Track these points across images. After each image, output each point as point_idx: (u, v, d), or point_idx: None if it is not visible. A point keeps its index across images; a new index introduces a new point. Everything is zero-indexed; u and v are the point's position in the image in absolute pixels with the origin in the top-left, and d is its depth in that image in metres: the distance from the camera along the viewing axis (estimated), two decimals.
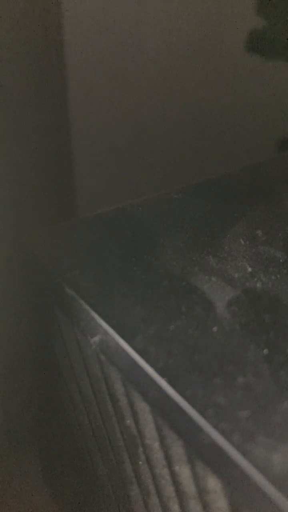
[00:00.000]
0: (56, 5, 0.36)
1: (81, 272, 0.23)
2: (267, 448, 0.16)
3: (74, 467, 0.29)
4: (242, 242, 0.25)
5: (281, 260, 0.24)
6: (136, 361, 0.19)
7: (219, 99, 0.47)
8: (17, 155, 0.38)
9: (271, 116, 0.49)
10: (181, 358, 0.19)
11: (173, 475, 0.19)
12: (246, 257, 0.24)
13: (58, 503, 0.32)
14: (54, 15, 0.36)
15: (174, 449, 0.19)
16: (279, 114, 0.49)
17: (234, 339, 0.19)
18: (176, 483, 0.19)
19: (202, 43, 0.44)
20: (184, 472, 0.19)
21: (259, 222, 0.26)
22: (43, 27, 0.36)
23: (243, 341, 0.19)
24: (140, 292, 0.22)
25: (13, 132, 0.37)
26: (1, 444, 0.32)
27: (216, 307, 0.21)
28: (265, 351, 0.19)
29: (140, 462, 0.21)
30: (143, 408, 0.19)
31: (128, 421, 0.21)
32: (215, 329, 0.20)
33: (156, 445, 0.20)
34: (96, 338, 0.21)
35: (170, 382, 0.18)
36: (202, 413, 0.17)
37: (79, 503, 0.30)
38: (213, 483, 0.17)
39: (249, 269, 0.23)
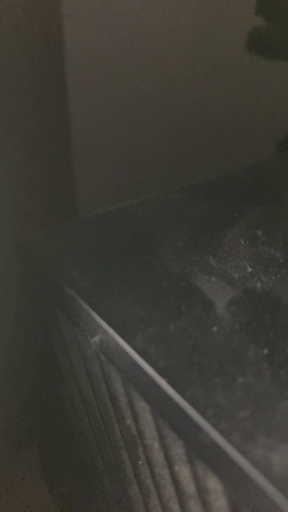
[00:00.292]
0: (56, 5, 0.36)
1: (81, 272, 0.23)
2: (267, 448, 0.16)
3: (74, 467, 0.29)
4: (242, 242, 0.25)
5: (281, 260, 0.24)
6: (136, 361, 0.19)
7: (219, 99, 0.47)
8: (17, 155, 0.38)
9: (271, 116, 0.49)
10: (181, 358, 0.19)
11: (173, 475, 0.19)
12: (246, 257, 0.24)
13: (58, 503, 0.32)
14: (54, 15, 0.36)
15: (174, 449, 0.18)
16: (279, 114, 0.49)
17: (234, 339, 0.19)
18: (176, 483, 0.19)
19: (202, 43, 0.44)
20: (184, 472, 0.19)
21: (259, 222, 0.26)
22: (43, 27, 0.36)
23: (243, 341, 0.19)
24: (140, 292, 0.22)
25: (13, 132, 0.37)
26: (1, 444, 0.32)
27: (216, 307, 0.21)
28: (265, 351, 0.19)
29: (140, 462, 0.21)
30: (143, 408, 0.19)
31: (128, 421, 0.21)
32: (215, 329, 0.20)
33: (156, 445, 0.20)
34: (96, 338, 0.21)
35: (170, 382, 0.18)
36: (202, 413, 0.17)
37: (79, 503, 0.30)
38: (213, 483, 0.17)
39: (249, 269, 0.23)
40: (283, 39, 0.46)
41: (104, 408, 0.23)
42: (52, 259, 0.24)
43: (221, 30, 0.44)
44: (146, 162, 0.47)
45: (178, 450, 0.18)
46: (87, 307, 0.21)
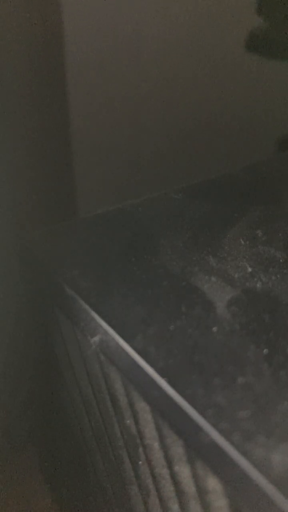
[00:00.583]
0: (56, 5, 0.36)
1: (81, 272, 0.23)
2: (267, 448, 0.16)
3: (74, 467, 0.29)
4: (242, 242, 0.25)
5: (281, 260, 0.24)
6: (136, 361, 0.19)
7: (219, 99, 0.47)
8: (17, 155, 0.38)
9: (271, 116, 0.49)
10: (181, 358, 0.19)
11: (173, 475, 0.19)
12: (246, 257, 0.24)
13: (58, 503, 0.32)
14: (54, 15, 0.36)
15: (174, 449, 0.18)
16: (279, 114, 0.49)
17: (234, 339, 0.19)
18: (176, 483, 0.19)
19: (202, 43, 0.44)
20: (184, 472, 0.19)
21: (259, 222, 0.26)
22: (43, 27, 0.36)
23: (243, 341, 0.19)
24: (140, 292, 0.22)
25: (13, 132, 0.37)
26: (1, 444, 0.32)
27: (216, 307, 0.21)
28: (265, 351, 0.19)
29: (140, 462, 0.21)
30: (143, 408, 0.19)
31: (128, 421, 0.21)
32: (215, 329, 0.20)
33: (156, 445, 0.20)
34: (96, 338, 0.21)
35: (170, 382, 0.18)
36: (202, 413, 0.17)
37: (79, 503, 0.30)
38: (213, 483, 0.17)
39: (249, 269, 0.23)
40: (283, 39, 0.46)
41: (104, 408, 0.23)
42: (52, 259, 0.24)
43: (221, 30, 0.44)
44: (146, 162, 0.47)
45: (178, 450, 0.18)
46: (87, 307, 0.21)
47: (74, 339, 0.23)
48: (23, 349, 0.28)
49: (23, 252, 0.25)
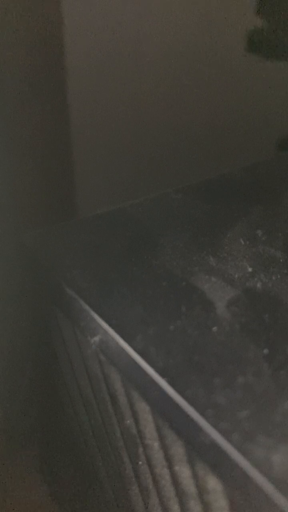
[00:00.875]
0: (56, 5, 0.36)
1: (81, 272, 0.23)
2: (267, 448, 0.16)
3: (74, 466, 0.29)
4: (242, 242, 0.25)
5: (281, 260, 0.24)
6: (136, 361, 0.19)
7: (219, 100, 0.47)
8: (17, 155, 0.38)
9: (271, 116, 0.49)
10: (181, 358, 0.19)
11: (173, 475, 0.19)
12: (246, 257, 0.24)
13: (58, 503, 0.32)
14: (54, 15, 0.36)
15: (174, 449, 0.18)
16: (279, 114, 0.49)
17: (234, 339, 0.19)
18: (176, 483, 0.19)
19: (202, 43, 0.44)
20: (184, 472, 0.19)
21: (259, 222, 0.26)
22: (43, 28, 0.36)
23: (243, 341, 0.19)
24: (140, 292, 0.22)
25: (13, 132, 0.37)
26: (1, 444, 0.32)
27: (216, 307, 0.21)
28: (265, 351, 0.19)
29: (140, 462, 0.21)
30: (143, 408, 0.19)
31: (128, 421, 0.21)
32: (215, 329, 0.20)
33: (156, 445, 0.20)
34: (96, 338, 0.21)
35: (170, 382, 0.18)
36: (202, 413, 0.17)
37: (78, 503, 0.30)
38: (213, 483, 0.17)
39: (249, 269, 0.23)
40: (283, 39, 0.46)
41: (104, 408, 0.23)
42: (52, 259, 0.24)
43: (221, 30, 0.44)
44: (146, 162, 0.47)
45: (178, 450, 0.18)
46: (87, 307, 0.21)
47: (74, 339, 0.23)
48: (23, 349, 0.28)
49: (23, 252, 0.25)
